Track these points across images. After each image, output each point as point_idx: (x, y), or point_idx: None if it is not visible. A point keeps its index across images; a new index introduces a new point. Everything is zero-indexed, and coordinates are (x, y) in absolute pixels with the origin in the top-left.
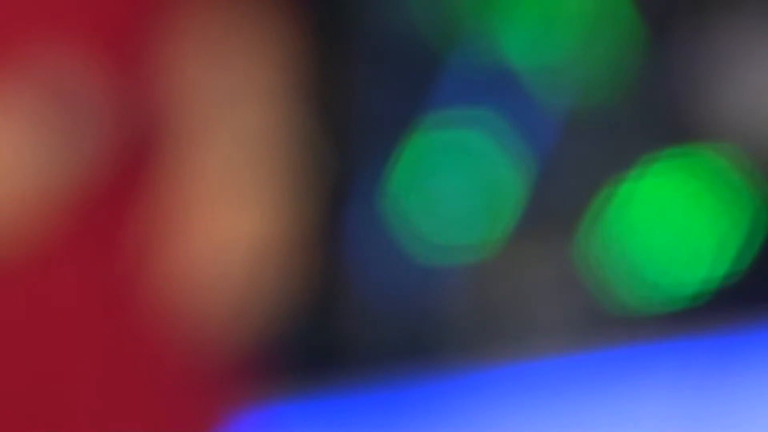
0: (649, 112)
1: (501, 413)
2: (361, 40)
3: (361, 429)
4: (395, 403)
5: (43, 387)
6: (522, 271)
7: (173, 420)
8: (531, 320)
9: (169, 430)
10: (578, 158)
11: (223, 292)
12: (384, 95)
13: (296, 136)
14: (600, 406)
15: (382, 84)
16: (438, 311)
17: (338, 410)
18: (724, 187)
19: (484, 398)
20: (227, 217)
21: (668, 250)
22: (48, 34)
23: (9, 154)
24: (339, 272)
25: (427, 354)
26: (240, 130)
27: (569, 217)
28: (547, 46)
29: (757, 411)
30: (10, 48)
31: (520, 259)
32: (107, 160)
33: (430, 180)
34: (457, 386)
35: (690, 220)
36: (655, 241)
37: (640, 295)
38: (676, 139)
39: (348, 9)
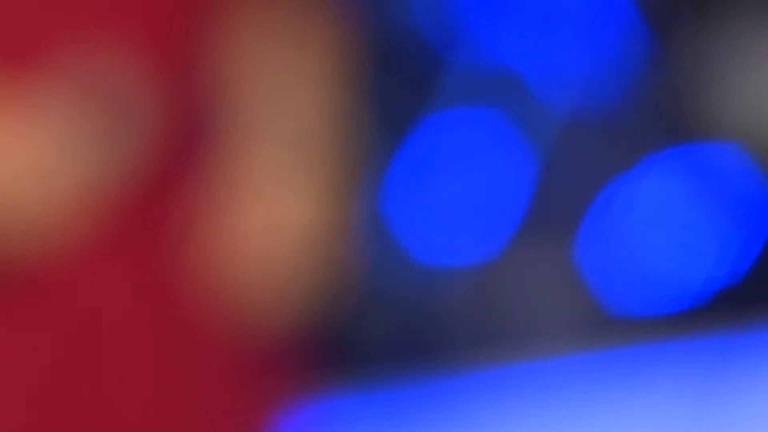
0: (651, 112)
1: (503, 413)
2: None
3: (363, 428)
4: (397, 403)
5: (95, 381)
6: (524, 271)
7: (224, 411)
8: (533, 321)
9: (219, 421)
10: (581, 159)
11: (271, 279)
12: (386, 95)
13: (345, 126)
14: (602, 406)
15: (385, 84)
16: (440, 312)
17: (341, 409)
18: (726, 187)
19: (487, 398)
20: (275, 206)
21: (670, 251)
22: (91, 31)
23: (52, 152)
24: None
25: (429, 354)
26: (290, 119)
27: (571, 217)
28: (549, 47)
29: (758, 412)
30: (52, 45)
31: (522, 260)
32: (152, 155)
33: (432, 181)
34: (459, 386)
35: (692, 221)
36: (657, 241)
37: (642, 296)
38: (678, 139)
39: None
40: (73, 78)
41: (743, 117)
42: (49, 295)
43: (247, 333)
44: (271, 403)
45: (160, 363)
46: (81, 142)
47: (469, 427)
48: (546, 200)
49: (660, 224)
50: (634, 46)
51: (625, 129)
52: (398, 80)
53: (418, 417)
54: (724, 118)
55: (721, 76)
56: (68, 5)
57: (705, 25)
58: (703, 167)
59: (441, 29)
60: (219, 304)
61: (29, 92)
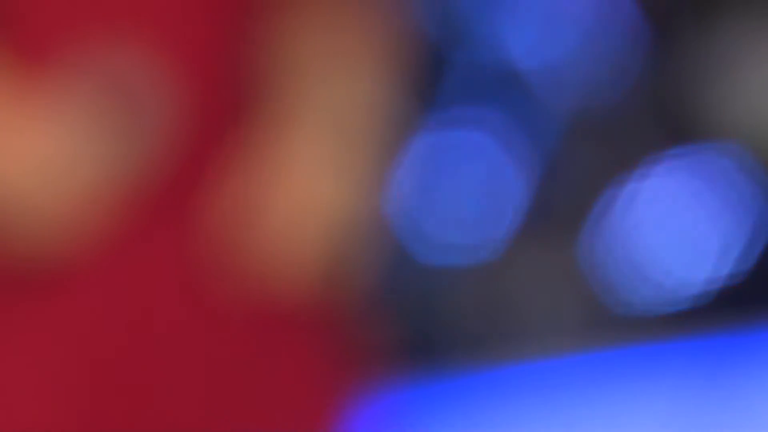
0: (653, 112)
1: (505, 412)
2: None
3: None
4: (400, 403)
5: (136, 376)
6: (527, 271)
7: (257, 396)
8: (536, 320)
9: (256, 412)
10: (582, 158)
11: (297, 259)
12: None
13: (389, 113)
14: (604, 405)
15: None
16: (442, 311)
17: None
18: (727, 187)
19: (489, 398)
20: (307, 186)
21: (672, 251)
22: (110, 26)
23: (70, 147)
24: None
25: (432, 354)
26: (334, 103)
27: (574, 217)
28: (551, 47)
29: (760, 411)
30: (70, 41)
31: (525, 260)
32: (172, 148)
33: (434, 180)
34: (462, 386)
35: (694, 221)
36: (659, 241)
37: (644, 296)
38: (679, 139)
39: None
40: (91, 73)
41: (744, 117)
42: (76, 291)
43: (273, 312)
44: (298, 387)
45: (199, 353)
46: (99, 137)
47: (473, 426)
48: (549, 200)
49: (662, 224)
50: (636, 47)
51: (627, 129)
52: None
53: (422, 416)
54: (725, 119)
55: (722, 77)
56: (86, 1)
57: (706, 26)
58: (704, 167)
59: (443, 28)
60: (247, 287)
61: (48, 88)
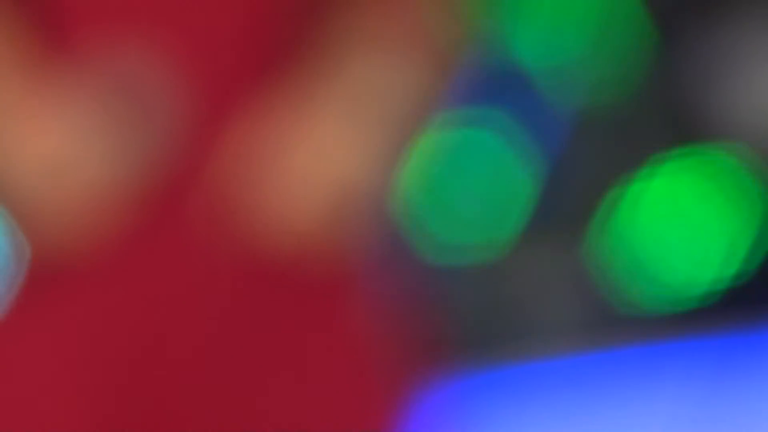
0: (659, 112)
1: (510, 412)
2: None
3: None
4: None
5: (149, 379)
6: (532, 270)
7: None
8: (541, 320)
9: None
10: (588, 158)
11: (312, 226)
12: None
13: (419, 104)
14: (608, 405)
15: None
16: (448, 311)
17: None
18: (733, 187)
19: (493, 397)
20: (328, 157)
21: (678, 250)
22: (121, 25)
23: (80, 144)
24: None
25: (436, 354)
26: (368, 82)
27: (580, 216)
28: (557, 47)
29: (764, 411)
30: (80, 41)
31: (530, 259)
32: (181, 149)
33: (440, 179)
34: (467, 386)
35: (700, 220)
36: (665, 241)
37: (650, 295)
38: (685, 139)
39: None
40: (103, 72)
41: (748, 117)
42: (87, 286)
43: (284, 293)
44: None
45: (216, 342)
46: (108, 135)
47: (480, 426)
48: (555, 199)
49: (669, 224)
50: (641, 47)
51: (633, 129)
52: None
53: (425, 416)
54: (729, 118)
55: (726, 77)
56: (100, 1)
57: (709, 26)
58: (711, 167)
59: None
60: (257, 261)
61: (60, 85)
